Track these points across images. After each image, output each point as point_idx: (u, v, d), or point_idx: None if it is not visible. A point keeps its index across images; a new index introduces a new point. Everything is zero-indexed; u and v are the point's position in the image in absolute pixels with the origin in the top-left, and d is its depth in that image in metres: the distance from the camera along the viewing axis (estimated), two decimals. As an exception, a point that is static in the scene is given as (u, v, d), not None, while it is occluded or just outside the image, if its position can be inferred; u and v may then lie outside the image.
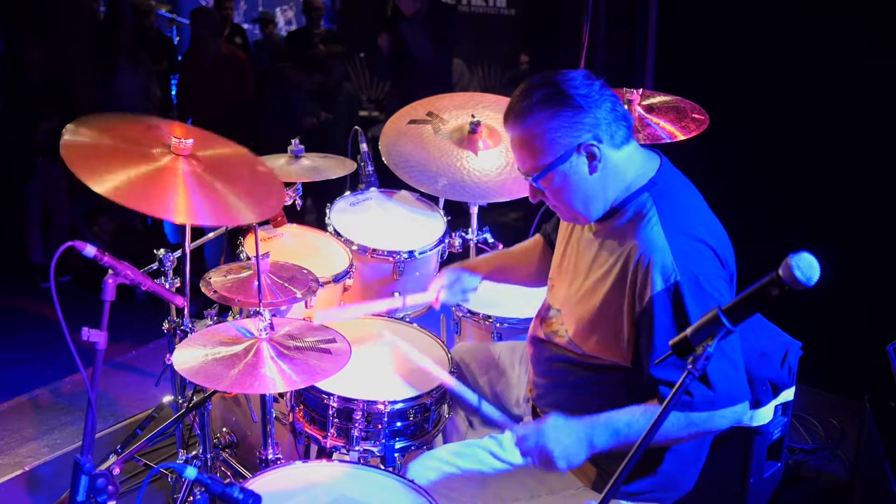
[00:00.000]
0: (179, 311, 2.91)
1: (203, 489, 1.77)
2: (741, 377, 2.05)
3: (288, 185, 3.22)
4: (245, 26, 9.02)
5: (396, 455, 2.52)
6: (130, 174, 2.24)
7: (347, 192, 3.48)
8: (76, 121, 2.33)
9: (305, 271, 2.73)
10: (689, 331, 1.62)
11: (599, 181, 2.09)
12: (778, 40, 4.03)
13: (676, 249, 2.01)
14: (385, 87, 7.30)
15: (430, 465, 2.34)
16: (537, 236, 2.68)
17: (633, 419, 2.02)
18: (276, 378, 2.17)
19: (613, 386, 2.17)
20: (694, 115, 3.10)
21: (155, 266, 2.88)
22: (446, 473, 2.31)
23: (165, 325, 2.92)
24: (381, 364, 2.68)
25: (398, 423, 2.50)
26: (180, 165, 2.37)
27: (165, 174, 2.34)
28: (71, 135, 2.30)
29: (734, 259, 2.15)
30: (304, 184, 3.25)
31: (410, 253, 3.19)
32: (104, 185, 2.16)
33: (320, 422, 2.53)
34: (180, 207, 2.25)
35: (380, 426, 2.48)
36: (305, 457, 2.69)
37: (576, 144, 2.04)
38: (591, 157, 2.06)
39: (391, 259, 3.17)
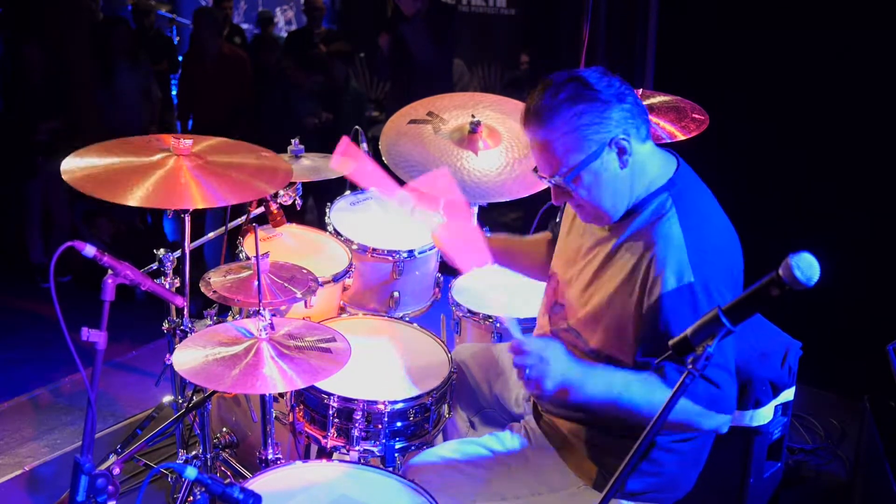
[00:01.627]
0: (179, 311, 2.91)
1: (203, 489, 1.77)
2: (735, 390, 2.06)
3: (288, 185, 3.22)
4: (245, 26, 9.03)
5: (396, 455, 2.52)
6: (148, 183, 2.45)
7: (347, 192, 3.48)
8: (73, 153, 2.53)
9: (305, 271, 2.73)
10: (688, 331, 1.62)
11: (628, 177, 2.07)
12: (778, 40, 4.03)
13: (693, 251, 2.00)
14: (385, 87, 7.30)
15: (431, 461, 2.34)
16: (546, 232, 2.67)
17: (627, 380, 2.00)
18: (277, 378, 2.17)
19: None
20: (694, 115, 3.10)
21: (155, 266, 2.88)
22: (447, 469, 2.31)
23: (165, 325, 2.92)
24: (381, 364, 2.68)
25: (398, 423, 2.50)
26: (184, 164, 2.50)
27: (175, 173, 2.52)
28: (72, 164, 2.49)
29: (743, 267, 2.15)
30: (304, 184, 3.25)
31: (410, 252, 3.19)
32: (132, 198, 2.39)
33: (320, 422, 2.53)
34: (197, 196, 2.46)
35: (380, 426, 2.48)
36: (305, 457, 2.69)
37: (608, 140, 2.02)
38: (622, 152, 2.04)
39: (391, 259, 3.17)
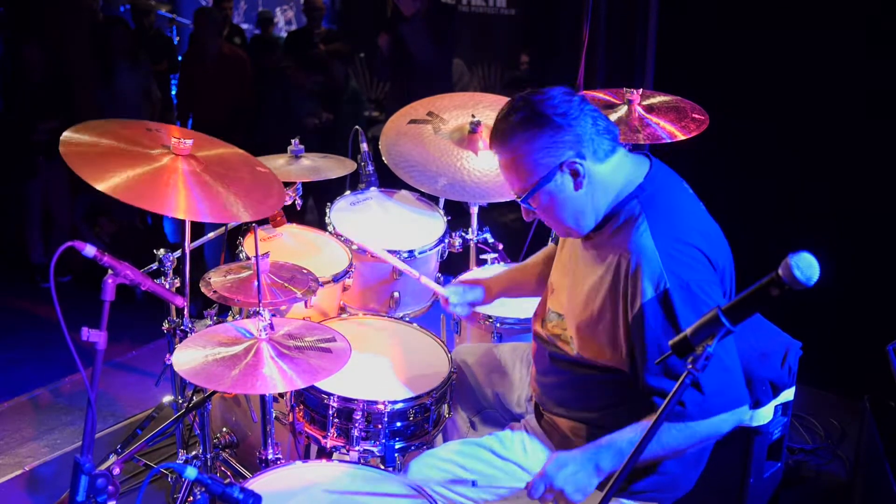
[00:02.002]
0: (179, 311, 2.91)
1: (203, 489, 1.77)
2: (737, 382, 2.05)
3: (288, 184, 3.22)
4: (245, 26, 9.02)
5: (396, 455, 2.52)
6: (131, 173, 2.33)
7: (347, 192, 3.49)
8: (75, 126, 2.42)
9: (305, 271, 2.73)
10: (688, 331, 1.62)
11: (586, 196, 2.10)
12: (778, 40, 4.03)
13: (665, 255, 2.01)
14: (385, 87, 7.29)
15: (432, 463, 2.34)
16: (550, 245, 2.68)
17: (636, 437, 2.02)
18: (277, 378, 2.17)
19: (616, 385, 2.17)
20: (694, 115, 3.10)
21: (155, 266, 2.88)
22: (448, 472, 2.31)
23: (165, 325, 2.92)
24: (381, 364, 2.68)
25: (398, 423, 2.50)
26: (180, 165, 2.45)
27: (165, 173, 2.42)
28: (70, 136, 2.37)
29: (730, 258, 2.16)
30: (304, 184, 3.25)
31: (410, 253, 3.19)
32: (105, 182, 2.26)
33: (320, 422, 2.53)
34: (181, 204, 2.34)
35: (380, 426, 2.48)
36: (305, 457, 2.69)
37: (558, 163, 2.05)
38: (575, 174, 2.07)
39: (391, 259, 3.17)
